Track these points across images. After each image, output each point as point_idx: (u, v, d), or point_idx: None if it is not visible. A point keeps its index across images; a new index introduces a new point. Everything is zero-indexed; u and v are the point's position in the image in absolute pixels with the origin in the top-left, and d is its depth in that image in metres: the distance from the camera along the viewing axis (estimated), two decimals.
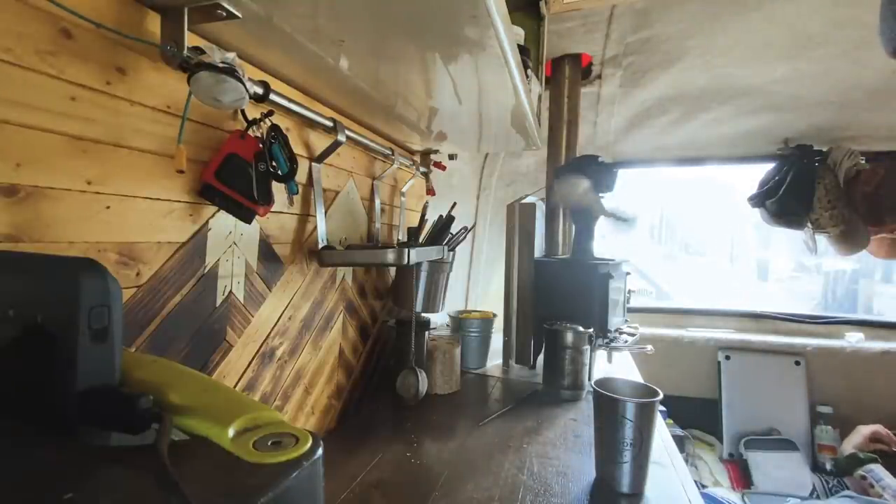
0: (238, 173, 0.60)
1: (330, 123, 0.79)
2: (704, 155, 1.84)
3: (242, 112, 0.62)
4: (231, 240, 0.65)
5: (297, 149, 0.75)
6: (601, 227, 1.35)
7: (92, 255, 0.46)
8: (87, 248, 0.46)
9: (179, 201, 0.56)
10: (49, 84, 0.42)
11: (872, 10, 0.60)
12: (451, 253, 1.11)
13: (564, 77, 1.59)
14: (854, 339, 1.81)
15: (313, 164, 0.83)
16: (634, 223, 1.31)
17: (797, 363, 1.83)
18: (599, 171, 1.31)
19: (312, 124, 0.79)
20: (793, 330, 1.94)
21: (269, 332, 0.74)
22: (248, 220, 0.63)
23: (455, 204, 1.13)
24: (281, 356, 0.77)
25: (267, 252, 0.73)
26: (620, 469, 0.71)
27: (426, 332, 1.08)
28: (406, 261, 0.82)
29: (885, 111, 1.53)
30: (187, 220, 0.58)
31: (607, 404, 0.72)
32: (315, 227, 0.83)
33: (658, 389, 0.73)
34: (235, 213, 0.61)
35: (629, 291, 1.48)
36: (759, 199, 1.68)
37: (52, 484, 0.21)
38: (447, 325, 1.42)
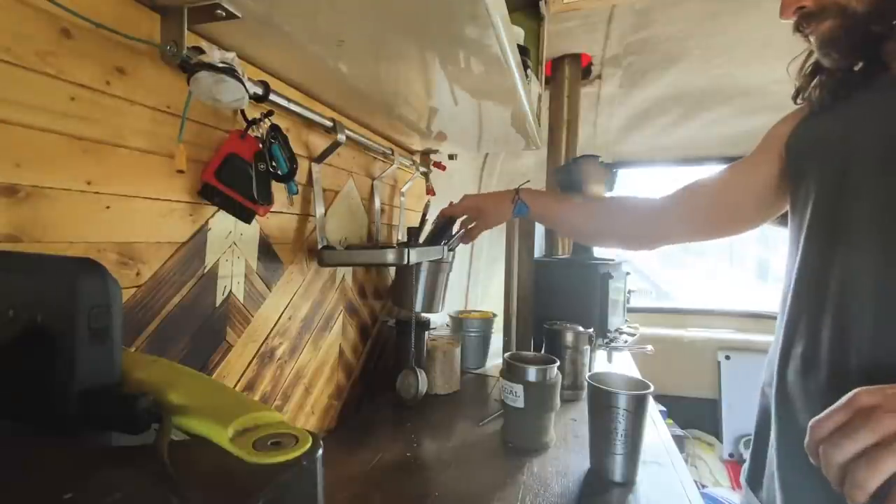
0: (238, 173, 0.60)
1: (330, 123, 0.79)
2: (704, 155, 1.85)
3: (242, 112, 0.62)
4: (231, 240, 0.65)
5: (297, 149, 0.75)
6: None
7: (92, 255, 0.46)
8: (87, 248, 0.46)
9: (179, 201, 0.56)
10: (49, 84, 0.42)
11: None
12: (451, 253, 1.11)
13: (564, 77, 1.59)
14: None
15: (313, 164, 0.83)
16: (615, 178, 1.34)
17: None
18: (599, 171, 1.31)
19: (312, 124, 0.79)
20: None
21: (269, 332, 0.74)
22: (248, 220, 0.63)
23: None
24: (281, 356, 0.77)
25: (267, 252, 0.73)
26: (613, 459, 0.73)
27: (426, 332, 1.08)
28: (406, 261, 0.82)
29: None
30: (187, 220, 0.58)
31: (600, 396, 0.74)
32: (315, 227, 0.83)
33: (649, 383, 0.75)
34: (235, 213, 0.61)
35: (629, 291, 1.48)
36: None
37: (52, 484, 0.21)
38: (447, 325, 1.42)
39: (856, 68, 0.53)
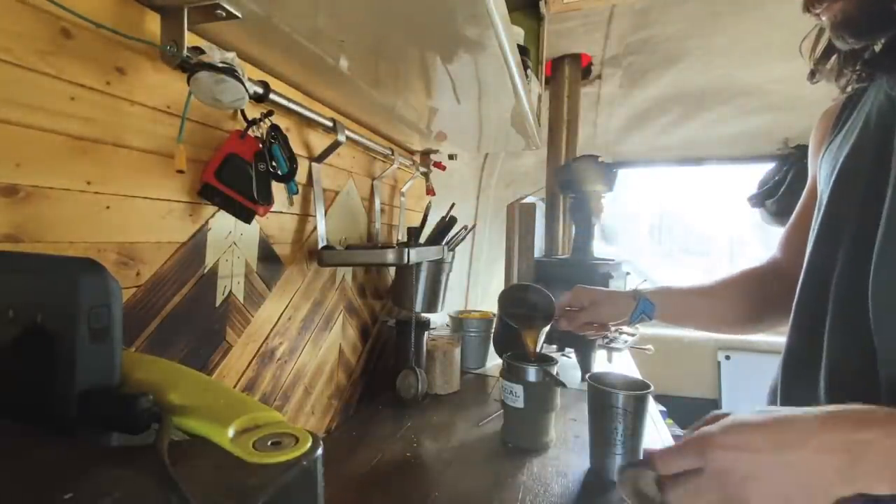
0: (238, 173, 0.60)
1: (330, 123, 0.79)
2: (704, 155, 1.84)
3: (242, 112, 0.62)
4: (231, 240, 0.65)
5: (297, 149, 0.75)
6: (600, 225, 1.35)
7: (92, 255, 0.46)
8: (87, 248, 0.46)
9: (179, 201, 0.56)
10: (49, 84, 0.42)
11: None
12: (451, 253, 1.11)
13: (564, 77, 1.59)
14: None
15: (313, 164, 0.83)
16: (615, 176, 1.30)
17: None
18: (599, 170, 1.31)
19: (312, 124, 0.79)
20: None
21: (269, 332, 0.74)
22: (248, 220, 0.63)
23: (454, 205, 1.13)
24: (281, 356, 0.77)
25: (267, 252, 0.73)
26: (613, 459, 0.73)
27: (426, 332, 1.08)
28: (406, 261, 0.82)
29: None
30: (187, 220, 0.58)
31: (600, 396, 0.74)
32: (315, 227, 0.83)
33: (649, 383, 0.75)
34: (235, 213, 0.61)
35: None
36: (758, 199, 1.68)
37: (52, 484, 0.21)
38: (447, 325, 1.42)
39: (876, 48, 0.49)
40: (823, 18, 0.47)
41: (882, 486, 0.33)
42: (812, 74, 0.56)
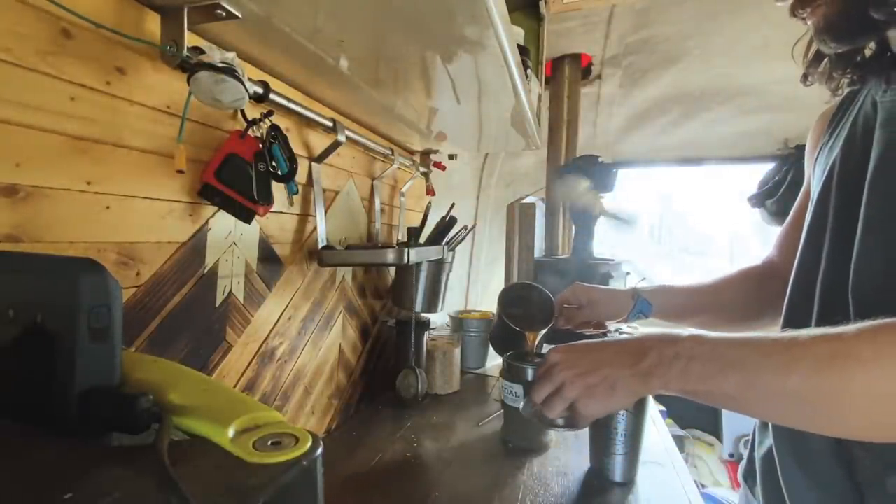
0: (238, 173, 0.60)
1: (330, 123, 0.79)
2: (704, 155, 1.84)
3: (242, 112, 0.62)
4: (231, 240, 0.65)
5: (297, 149, 0.75)
6: (601, 227, 1.35)
7: (92, 255, 0.46)
8: (87, 248, 0.46)
9: (179, 201, 0.56)
10: (49, 84, 0.42)
11: None
12: (451, 253, 1.11)
13: (564, 77, 1.59)
14: None
15: (313, 164, 0.83)
16: (635, 224, 1.31)
17: None
18: (599, 171, 1.31)
19: (312, 124, 0.79)
20: None
21: (269, 332, 0.74)
22: (248, 220, 0.63)
23: (454, 204, 1.13)
24: (281, 356, 0.77)
25: (267, 252, 0.73)
26: (613, 459, 0.74)
27: (426, 332, 1.08)
28: (406, 261, 0.82)
29: None
30: (187, 220, 0.58)
31: None
32: (315, 227, 0.83)
33: None
34: (235, 213, 0.61)
35: None
36: (758, 199, 1.67)
37: (52, 484, 0.21)
38: (447, 325, 1.42)
39: (867, 53, 0.50)
40: (808, 23, 0.49)
41: (657, 383, 0.45)
42: (805, 77, 0.57)
